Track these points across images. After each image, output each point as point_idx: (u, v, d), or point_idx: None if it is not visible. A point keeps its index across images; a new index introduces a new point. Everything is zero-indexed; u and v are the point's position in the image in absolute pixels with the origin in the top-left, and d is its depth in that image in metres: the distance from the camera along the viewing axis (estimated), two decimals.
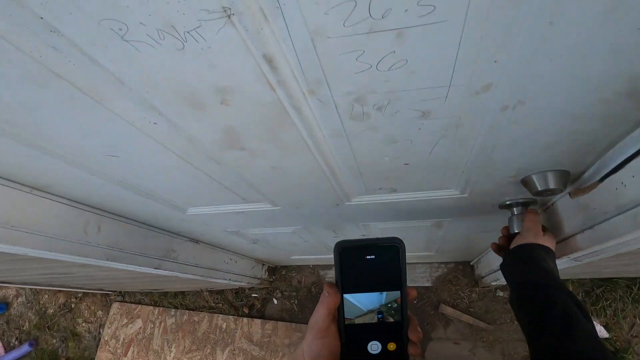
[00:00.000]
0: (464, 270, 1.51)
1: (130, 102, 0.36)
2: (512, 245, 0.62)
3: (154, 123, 0.40)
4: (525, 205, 0.66)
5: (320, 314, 0.33)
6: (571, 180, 0.56)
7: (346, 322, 0.34)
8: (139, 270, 0.90)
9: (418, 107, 0.36)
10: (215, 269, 1.26)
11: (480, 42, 0.27)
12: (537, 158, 0.49)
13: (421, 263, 1.56)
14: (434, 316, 1.48)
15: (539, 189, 0.54)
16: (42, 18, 0.26)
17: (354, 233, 0.98)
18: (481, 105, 0.36)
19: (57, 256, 0.65)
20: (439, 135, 0.42)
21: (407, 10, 0.24)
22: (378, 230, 0.97)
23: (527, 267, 0.56)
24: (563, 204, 0.63)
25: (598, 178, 0.51)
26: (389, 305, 0.34)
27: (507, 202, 0.67)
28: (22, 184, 0.58)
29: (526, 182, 0.56)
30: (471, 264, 1.48)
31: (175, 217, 0.81)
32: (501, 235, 0.70)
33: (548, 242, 0.60)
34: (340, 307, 0.33)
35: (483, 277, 1.37)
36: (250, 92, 0.34)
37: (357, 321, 0.34)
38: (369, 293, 0.34)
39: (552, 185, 0.53)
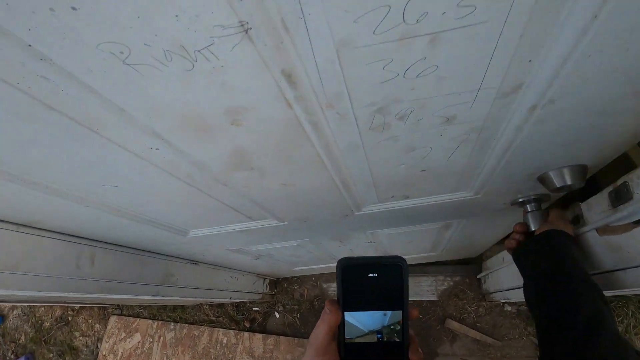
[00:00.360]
0: (470, 283, 1.47)
1: (130, 130, 0.33)
2: (538, 232, 0.58)
3: (156, 149, 0.37)
4: (538, 201, 0.65)
5: (321, 331, 0.32)
6: (598, 218, 0.54)
7: (346, 341, 0.33)
8: (135, 298, 0.85)
9: (443, 113, 0.34)
10: (216, 289, 1.22)
11: (518, 43, 0.25)
12: (556, 155, 0.47)
13: (426, 276, 1.53)
14: (440, 331, 1.45)
15: (557, 185, 0.52)
16: (30, 45, 0.23)
17: (361, 241, 0.96)
18: (509, 107, 0.34)
19: (47, 294, 0.60)
20: (460, 140, 0.40)
21: (444, 12, 0.22)
22: (385, 236, 0.95)
23: (552, 255, 0.52)
24: (592, 238, 0.60)
25: (634, 220, 0.49)
26: (391, 325, 0.34)
27: (520, 200, 0.66)
28: (7, 222, 0.53)
29: (543, 180, 0.54)
30: (478, 277, 1.45)
31: (175, 241, 0.77)
32: (515, 232, 0.67)
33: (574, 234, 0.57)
34: (341, 325, 0.33)
35: (491, 293, 1.35)
36: (264, 111, 0.31)
37: (358, 340, 0.34)
38: (371, 312, 0.34)
39: (569, 181, 0.52)
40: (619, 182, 0.53)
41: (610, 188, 0.55)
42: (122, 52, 0.23)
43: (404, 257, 0.34)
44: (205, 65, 0.25)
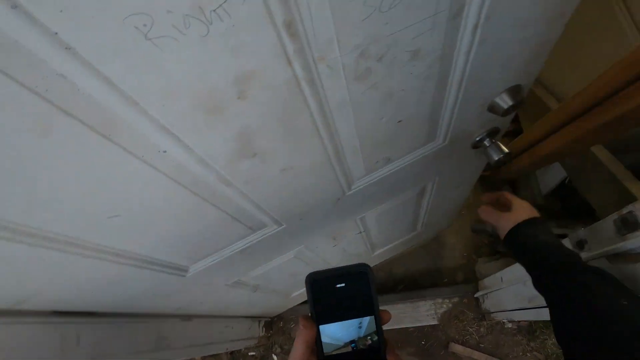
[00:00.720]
0: (469, 303, 1.53)
1: (141, 128, 0.33)
2: (506, 224, 0.60)
3: (164, 151, 0.37)
4: (492, 134, 0.74)
5: (299, 347, 0.33)
6: (605, 244, 0.58)
7: (325, 354, 0.35)
8: None
9: (411, 47, 0.40)
10: (212, 342, 1.15)
11: None
12: (497, 79, 0.56)
13: (425, 300, 1.55)
14: (445, 356, 1.46)
15: (504, 107, 0.61)
16: (56, 33, 0.23)
17: (352, 231, 0.98)
18: (457, 30, 0.41)
19: None
20: (425, 76, 0.47)
21: None
22: (373, 221, 0.99)
23: (528, 253, 0.55)
24: (602, 265, 0.64)
25: None
26: (367, 335, 0.35)
27: (477, 139, 0.75)
28: None
29: (492, 107, 0.63)
30: (476, 296, 1.51)
31: (173, 287, 0.73)
32: (485, 203, 0.70)
33: (536, 212, 0.61)
34: (318, 339, 0.35)
35: (492, 313, 1.39)
36: (268, 75, 0.34)
37: (336, 352, 0.35)
38: (346, 323, 0.35)
39: (512, 102, 0.61)
40: (625, 210, 0.60)
41: (615, 216, 0.62)
42: (145, 25, 0.25)
43: (367, 264, 0.36)
44: (219, 27, 0.28)
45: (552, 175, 1.45)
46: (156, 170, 0.39)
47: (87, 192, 0.37)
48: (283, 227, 0.70)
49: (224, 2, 0.26)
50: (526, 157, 1.22)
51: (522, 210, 0.61)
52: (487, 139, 0.75)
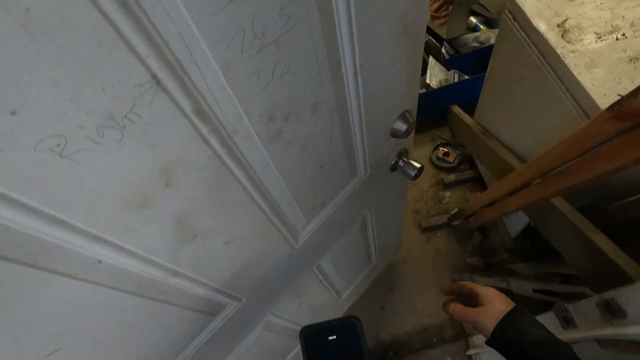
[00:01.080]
0: None
1: (70, 244, 0.32)
2: (487, 322, 0.52)
3: (99, 262, 0.36)
4: (402, 155, 0.84)
5: None
6: (593, 327, 0.63)
7: None
8: None
9: (309, 103, 0.46)
10: None
11: (323, 31, 0.40)
12: (389, 111, 0.66)
13: None
14: None
15: (403, 130, 0.71)
16: None
17: (313, 283, 0.98)
18: (342, 80, 0.49)
19: None
20: (330, 123, 0.53)
21: (275, 22, 0.34)
22: (329, 267, 1.00)
23: (529, 356, 0.48)
24: (592, 348, 0.66)
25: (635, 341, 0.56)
26: None
27: (392, 162, 0.84)
28: None
29: (394, 133, 0.72)
30: (468, 354, 1.48)
31: None
32: (448, 300, 0.61)
33: (509, 299, 0.54)
34: None
35: None
36: (190, 157, 0.36)
37: None
38: None
39: (406, 124, 0.71)
40: (606, 296, 0.64)
41: (597, 299, 0.67)
42: (58, 145, 0.26)
43: (357, 316, 0.40)
44: (133, 129, 0.30)
45: (518, 219, 1.49)
46: (94, 285, 0.37)
47: (17, 333, 0.33)
48: (243, 301, 0.68)
49: (133, 106, 0.29)
50: (490, 211, 1.35)
51: (496, 302, 0.54)
52: (401, 160, 0.84)
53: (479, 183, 1.86)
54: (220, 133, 0.38)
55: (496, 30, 1.91)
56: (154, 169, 0.34)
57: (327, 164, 0.60)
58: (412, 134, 0.77)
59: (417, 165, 0.81)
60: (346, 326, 0.39)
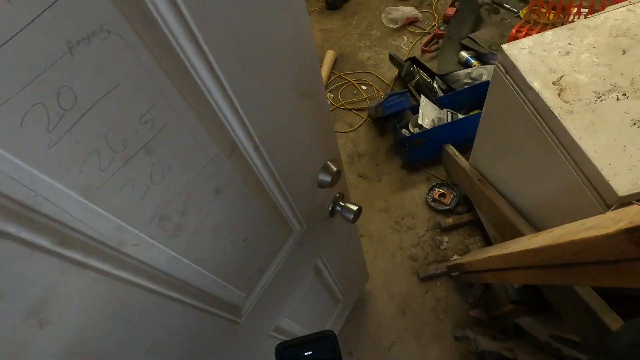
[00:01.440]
0: None
1: None
2: None
3: None
4: (339, 199, 0.84)
5: None
6: None
7: None
8: None
9: (208, 188, 0.44)
10: None
11: (206, 124, 0.38)
12: (308, 167, 0.66)
13: None
14: None
15: (329, 180, 0.71)
16: None
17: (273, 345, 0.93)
18: (242, 156, 0.47)
19: None
20: (240, 198, 0.51)
21: (137, 132, 0.32)
22: (289, 322, 0.96)
23: None
24: None
25: None
26: None
27: (329, 209, 0.83)
28: None
29: (321, 184, 0.72)
30: None
31: None
32: None
33: None
34: None
35: None
36: (64, 289, 0.33)
37: None
38: None
39: (330, 175, 0.71)
40: None
41: None
42: None
43: (332, 330, 0.40)
44: None
45: None
46: None
47: None
48: None
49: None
50: (491, 276, 1.20)
51: None
52: (338, 205, 0.84)
53: (478, 227, 1.72)
54: (102, 251, 0.34)
55: (488, 67, 1.92)
56: (18, 315, 0.30)
57: (251, 235, 0.58)
58: (341, 179, 0.78)
59: (355, 208, 0.81)
60: (322, 341, 0.38)
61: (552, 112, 0.86)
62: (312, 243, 0.83)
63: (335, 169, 0.70)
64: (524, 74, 0.94)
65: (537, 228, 1.14)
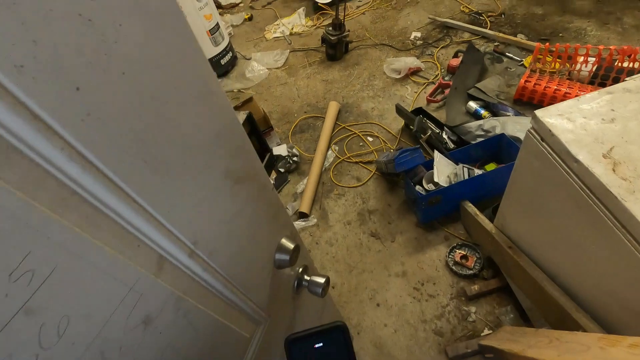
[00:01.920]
0: None
1: None
2: None
3: None
4: (304, 273, 0.76)
5: None
6: None
7: None
8: None
9: (134, 322, 0.35)
10: None
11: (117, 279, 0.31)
12: (261, 251, 0.58)
13: None
14: None
15: (287, 259, 0.64)
16: None
17: None
18: (172, 271, 0.40)
19: None
20: (181, 316, 0.43)
21: (7, 294, 0.24)
22: None
23: None
24: None
25: None
26: None
27: (295, 285, 0.75)
28: None
29: (279, 265, 0.64)
30: None
31: None
32: None
33: None
34: None
35: None
36: None
37: None
38: None
39: (287, 255, 0.63)
40: None
41: None
42: None
43: (342, 321, 0.38)
44: None
45: None
46: None
47: None
48: None
49: None
50: None
51: None
52: (303, 280, 0.76)
53: (507, 293, 1.49)
54: None
55: (501, 119, 1.82)
56: None
57: (205, 347, 0.48)
58: (301, 252, 0.71)
59: (321, 280, 0.73)
60: (332, 332, 0.37)
61: (610, 192, 0.74)
62: (284, 325, 0.74)
63: (292, 246, 0.64)
64: (566, 144, 0.82)
65: (588, 310, 1.00)
